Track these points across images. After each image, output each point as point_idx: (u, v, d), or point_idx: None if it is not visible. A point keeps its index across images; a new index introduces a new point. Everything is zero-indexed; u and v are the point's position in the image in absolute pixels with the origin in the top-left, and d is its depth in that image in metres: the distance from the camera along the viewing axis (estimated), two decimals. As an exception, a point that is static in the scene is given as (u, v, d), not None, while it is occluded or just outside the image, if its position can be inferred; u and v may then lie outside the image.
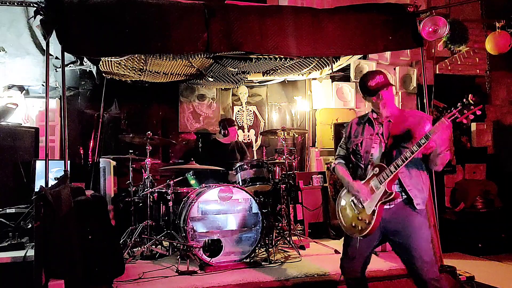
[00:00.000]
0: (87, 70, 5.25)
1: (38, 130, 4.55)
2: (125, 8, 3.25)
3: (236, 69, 4.93)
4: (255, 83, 6.03)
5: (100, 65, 4.56)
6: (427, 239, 2.40)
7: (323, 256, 4.08)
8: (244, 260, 3.81)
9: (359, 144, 2.60)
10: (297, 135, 5.73)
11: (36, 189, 3.59)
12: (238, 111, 6.15)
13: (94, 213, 3.19)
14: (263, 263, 3.81)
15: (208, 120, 5.95)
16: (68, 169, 3.17)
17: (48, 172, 3.15)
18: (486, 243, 4.99)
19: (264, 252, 3.97)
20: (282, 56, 4.47)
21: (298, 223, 5.05)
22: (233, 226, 3.85)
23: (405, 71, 6.00)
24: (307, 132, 6.09)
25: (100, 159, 5.06)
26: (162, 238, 4.17)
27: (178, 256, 3.77)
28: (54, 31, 3.14)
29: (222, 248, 3.76)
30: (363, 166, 2.55)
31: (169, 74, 5.09)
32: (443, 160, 2.36)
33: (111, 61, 4.40)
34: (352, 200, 2.56)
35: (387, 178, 2.38)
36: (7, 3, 3.44)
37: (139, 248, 4.04)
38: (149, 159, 4.37)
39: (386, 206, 2.43)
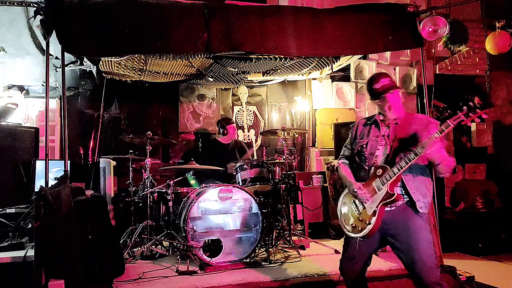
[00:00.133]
0: (87, 70, 5.25)
1: (38, 130, 4.55)
2: (125, 8, 3.25)
3: (236, 69, 4.93)
4: (255, 83, 6.02)
5: (100, 65, 4.56)
6: (428, 242, 2.38)
7: (323, 256, 4.07)
8: (244, 260, 3.81)
9: (364, 145, 2.59)
10: (297, 135, 5.73)
11: (36, 189, 3.58)
12: (238, 111, 6.15)
13: (94, 213, 3.19)
14: (263, 263, 3.80)
15: (208, 120, 5.95)
16: (68, 169, 3.17)
17: (48, 172, 3.15)
18: (486, 243, 4.99)
19: (264, 252, 3.97)
20: (282, 56, 4.47)
21: (298, 223, 5.05)
22: (233, 226, 3.85)
23: (405, 71, 6.01)
24: (307, 132, 6.09)
25: (100, 159, 5.06)
26: (162, 238, 4.16)
27: (178, 256, 3.77)
28: (54, 31, 3.15)
29: (222, 248, 3.76)
30: (367, 168, 2.54)
31: (169, 74, 5.09)
32: (445, 169, 2.34)
33: (111, 61, 4.40)
34: (353, 201, 2.55)
35: (389, 180, 2.37)
36: (7, 3, 3.44)
37: (139, 248, 4.04)
38: (149, 159, 4.37)
39: (387, 208, 2.43)
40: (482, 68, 6.20)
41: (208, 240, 3.74)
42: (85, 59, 4.49)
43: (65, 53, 3.26)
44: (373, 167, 2.49)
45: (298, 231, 4.67)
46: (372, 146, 2.55)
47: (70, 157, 3.85)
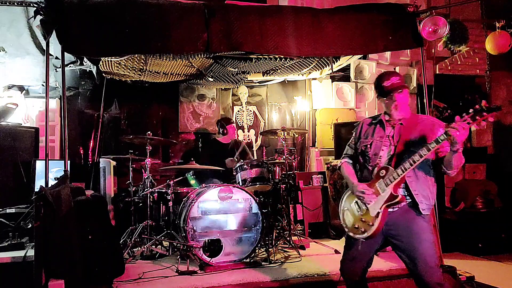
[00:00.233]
0: (87, 70, 5.25)
1: (38, 130, 4.55)
2: (125, 8, 3.25)
3: (236, 69, 4.93)
4: (255, 83, 6.02)
5: (100, 65, 4.56)
6: (431, 243, 2.36)
7: (323, 256, 4.07)
8: (244, 260, 3.81)
9: (369, 145, 2.56)
10: (297, 135, 5.73)
11: (36, 189, 3.58)
12: (238, 111, 6.15)
13: (94, 213, 3.19)
14: (263, 263, 3.80)
15: (208, 120, 5.95)
16: (68, 169, 3.17)
17: (48, 172, 3.15)
18: (486, 243, 4.99)
19: (264, 252, 3.97)
20: (282, 56, 4.47)
21: (298, 223, 5.05)
22: (233, 226, 3.85)
23: (405, 71, 6.01)
24: (307, 132, 6.09)
25: (100, 159, 5.06)
26: (162, 238, 4.16)
27: (178, 256, 3.77)
28: (54, 31, 3.15)
29: (222, 248, 3.75)
30: (370, 168, 2.51)
31: (169, 74, 5.09)
32: (458, 162, 2.28)
33: (111, 61, 4.40)
34: (356, 202, 2.52)
35: (393, 181, 2.34)
36: (7, 3, 3.44)
37: (139, 248, 4.04)
38: (149, 159, 4.37)
39: (389, 209, 2.40)
40: (482, 68, 6.20)
41: (208, 240, 3.74)
42: (85, 59, 4.49)
43: (65, 53, 3.26)
44: (376, 168, 2.46)
45: (298, 231, 4.67)
46: (376, 147, 2.52)
47: (70, 157, 3.85)
